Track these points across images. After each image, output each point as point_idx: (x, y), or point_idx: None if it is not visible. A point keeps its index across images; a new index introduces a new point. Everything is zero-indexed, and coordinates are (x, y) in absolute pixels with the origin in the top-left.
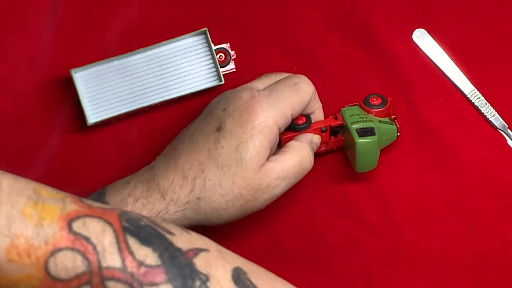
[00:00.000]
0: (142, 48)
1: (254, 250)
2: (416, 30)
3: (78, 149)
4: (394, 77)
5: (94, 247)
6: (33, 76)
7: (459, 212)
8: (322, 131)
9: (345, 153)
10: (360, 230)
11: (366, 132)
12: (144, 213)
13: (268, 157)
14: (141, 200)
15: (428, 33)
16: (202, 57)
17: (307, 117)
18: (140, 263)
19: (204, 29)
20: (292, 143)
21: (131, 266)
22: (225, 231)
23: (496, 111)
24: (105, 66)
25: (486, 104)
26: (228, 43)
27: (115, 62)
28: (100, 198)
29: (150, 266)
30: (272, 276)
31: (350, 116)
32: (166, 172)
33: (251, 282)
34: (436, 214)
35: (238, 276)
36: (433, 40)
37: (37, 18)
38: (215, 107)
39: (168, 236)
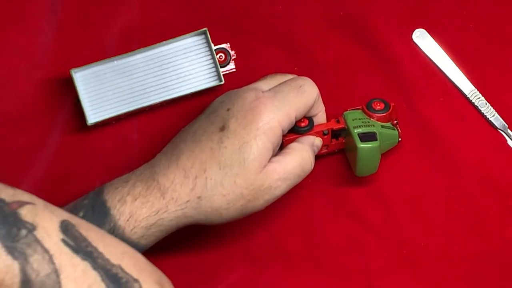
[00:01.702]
0: (142, 48)
1: (254, 250)
2: (416, 30)
3: (78, 149)
4: (394, 77)
5: None
6: (33, 76)
7: (459, 212)
8: (324, 134)
9: (345, 155)
10: (360, 230)
11: (368, 136)
12: (143, 211)
13: (270, 158)
14: (140, 198)
15: (428, 33)
16: (202, 57)
17: (310, 119)
18: None
19: (204, 29)
20: (293, 145)
21: None
22: (225, 231)
23: (496, 111)
24: (105, 66)
25: (486, 104)
26: (228, 43)
27: (115, 62)
28: (98, 196)
29: None
30: (102, 231)
31: (353, 120)
32: (167, 170)
33: (80, 233)
34: (436, 214)
35: (66, 227)
36: (433, 40)
37: (37, 18)
38: (219, 107)
39: None
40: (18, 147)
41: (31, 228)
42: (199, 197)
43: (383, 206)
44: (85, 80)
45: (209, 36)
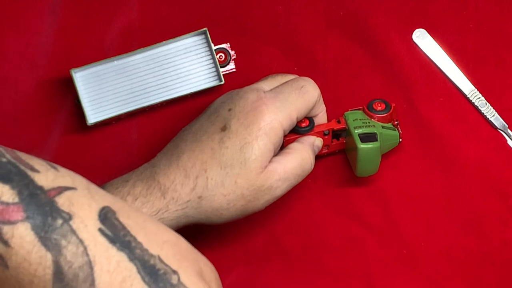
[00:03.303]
0: (142, 48)
1: (254, 250)
2: (416, 30)
3: (78, 149)
4: (394, 77)
5: None
6: (33, 76)
7: (459, 212)
8: (325, 134)
9: (346, 155)
10: (360, 230)
11: (368, 137)
12: (144, 211)
13: (271, 158)
14: (140, 198)
15: (428, 33)
16: (202, 57)
17: (310, 120)
18: None
19: (204, 29)
20: (294, 145)
21: None
22: (225, 231)
23: (496, 111)
24: (105, 66)
25: (486, 104)
26: (228, 43)
27: (115, 62)
28: None
29: (7, 203)
30: (144, 217)
31: (353, 120)
32: (168, 170)
33: (119, 221)
34: (436, 214)
35: (105, 215)
36: (433, 40)
37: (37, 18)
38: (220, 107)
39: (30, 173)
40: (18, 147)
41: (67, 218)
42: (199, 197)
43: (383, 206)
44: (85, 80)
45: (209, 36)
